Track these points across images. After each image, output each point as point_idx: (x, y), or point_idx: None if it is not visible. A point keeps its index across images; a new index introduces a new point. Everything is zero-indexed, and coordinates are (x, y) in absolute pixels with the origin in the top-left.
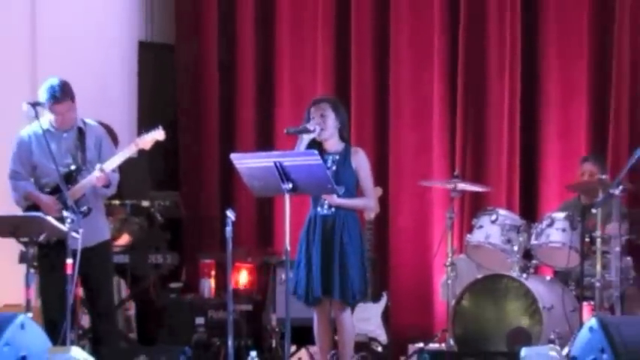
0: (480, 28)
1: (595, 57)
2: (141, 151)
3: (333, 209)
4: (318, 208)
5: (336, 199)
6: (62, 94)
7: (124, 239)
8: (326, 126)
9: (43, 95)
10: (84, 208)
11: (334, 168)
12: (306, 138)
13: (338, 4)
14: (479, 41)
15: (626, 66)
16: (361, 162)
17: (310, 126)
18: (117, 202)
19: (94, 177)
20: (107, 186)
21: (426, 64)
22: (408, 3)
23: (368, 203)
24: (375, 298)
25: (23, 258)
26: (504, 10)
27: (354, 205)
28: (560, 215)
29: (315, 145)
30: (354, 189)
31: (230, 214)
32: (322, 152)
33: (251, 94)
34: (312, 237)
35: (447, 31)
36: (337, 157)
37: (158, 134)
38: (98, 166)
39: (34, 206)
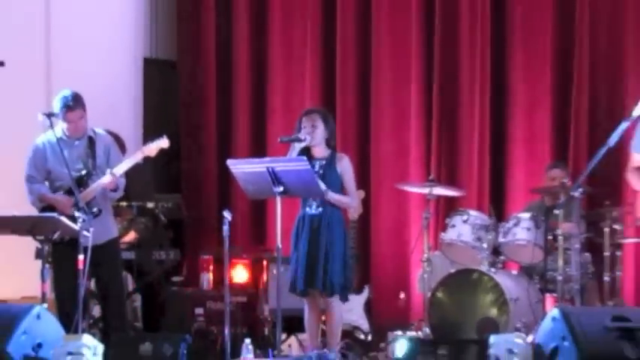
0: (453, 34)
1: (558, 59)
2: (146, 158)
3: (320, 209)
4: (307, 209)
5: (329, 194)
6: (74, 102)
7: (131, 237)
8: (315, 135)
9: (57, 105)
10: (94, 209)
11: (321, 172)
12: (297, 146)
13: (324, 24)
14: (453, 42)
15: (585, 67)
16: (345, 167)
17: (302, 135)
18: (124, 203)
19: (104, 181)
20: (115, 190)
21: (405, 72)
22: (387, 17)
23: (352, 202)
24: (358, 291)
25: (39, 254)
26: (475, 21)
27: (339, 199)
28: (526, 215)
29: (305, 151)
30: (339, 191)
31: (227, 215)
32: (310, 157)
33: (246, 105)
34: (300, 235)
35: (424, 38)
36: (324, 162)
37: (163, 142)
38: (109, 170)
39: (49, 207)
